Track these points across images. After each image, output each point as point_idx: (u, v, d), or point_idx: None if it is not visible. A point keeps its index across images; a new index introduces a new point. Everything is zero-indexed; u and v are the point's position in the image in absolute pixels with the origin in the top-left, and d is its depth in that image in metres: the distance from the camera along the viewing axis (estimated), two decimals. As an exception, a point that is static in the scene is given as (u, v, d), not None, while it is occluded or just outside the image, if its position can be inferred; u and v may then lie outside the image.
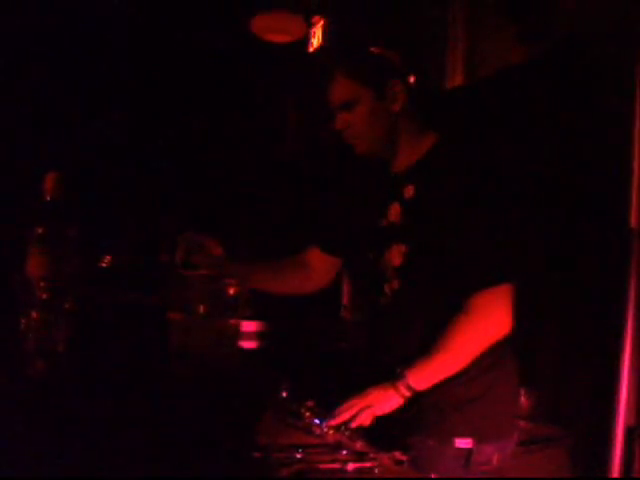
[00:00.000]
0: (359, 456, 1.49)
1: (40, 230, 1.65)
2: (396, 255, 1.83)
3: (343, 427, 1.66)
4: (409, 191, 1.84)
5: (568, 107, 2.35)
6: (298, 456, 1.42)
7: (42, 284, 1.59)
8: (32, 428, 1.32)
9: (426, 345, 1.74)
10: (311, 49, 4.28)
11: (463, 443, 1.74)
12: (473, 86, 2.97)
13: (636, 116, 2.03)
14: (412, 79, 1.87)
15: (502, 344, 1.76)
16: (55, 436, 1.29)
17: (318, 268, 2.17)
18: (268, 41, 4.10)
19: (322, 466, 1.40)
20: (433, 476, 1.44)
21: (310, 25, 4.20)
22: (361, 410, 1.66)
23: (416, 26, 3.42)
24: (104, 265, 2.24)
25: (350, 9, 3.95)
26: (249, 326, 2.99)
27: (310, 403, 1.72)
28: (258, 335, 3.05)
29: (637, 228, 2.02)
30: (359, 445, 1.55)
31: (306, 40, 4.23)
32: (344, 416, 1.65)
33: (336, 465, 1.41)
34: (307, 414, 1.72)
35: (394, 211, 1.88)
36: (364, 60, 1.88)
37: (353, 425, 1.63)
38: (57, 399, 1.45)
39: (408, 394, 1.69)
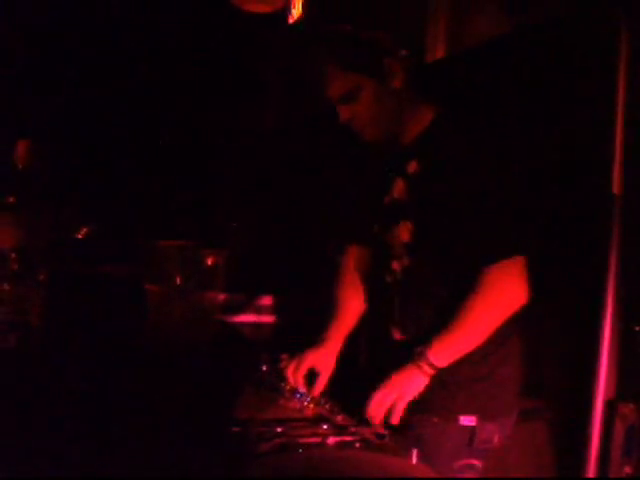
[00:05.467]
0: (340, 430, 1.48)
1: (11, 199, 1.61)
2: (404, 232, 1.80)
3: (323, 400, 1.64)
4: (412, 166, 1.80)
5: (552, 78, 2.34)
6: (278, 430, 1.41)
7: (13, 255, 1.55)
8: (3, 401, 1.29)
9: (441, 320, 1.71)
10: (291, 20, 4.22)
11: (467, 421, 1.73)
12: (456, 58, 2.94)
13: (619, 84, 2.02)
14: (404, 53, 1.83)
15: (509, 323, 1.74)
16: (26, 409, 1.27)
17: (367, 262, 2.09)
18: (247, 11, 4.04)
19: (302, 440, 1.38)
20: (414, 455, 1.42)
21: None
22: (394, 404, 1.62)
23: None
24: (79, 236, 2.19)
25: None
26: (265, 300, 2.96)
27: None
28: (270, 309, 3.02)
29: (620, 194, 2.01)
30: (340, 419, 1.54)
31: (286, 10, 4.17)
32: (379, 414, 1.60)
33: (317, 439, 1.40)
34: (287, 388, 1.71)
35: (398, 187, 1.84)
36: (356, 48, 1.80)
37: (393, 422, 1.58)
38: (29, 372, 1.42)
39: (432, 372, 1.66)
